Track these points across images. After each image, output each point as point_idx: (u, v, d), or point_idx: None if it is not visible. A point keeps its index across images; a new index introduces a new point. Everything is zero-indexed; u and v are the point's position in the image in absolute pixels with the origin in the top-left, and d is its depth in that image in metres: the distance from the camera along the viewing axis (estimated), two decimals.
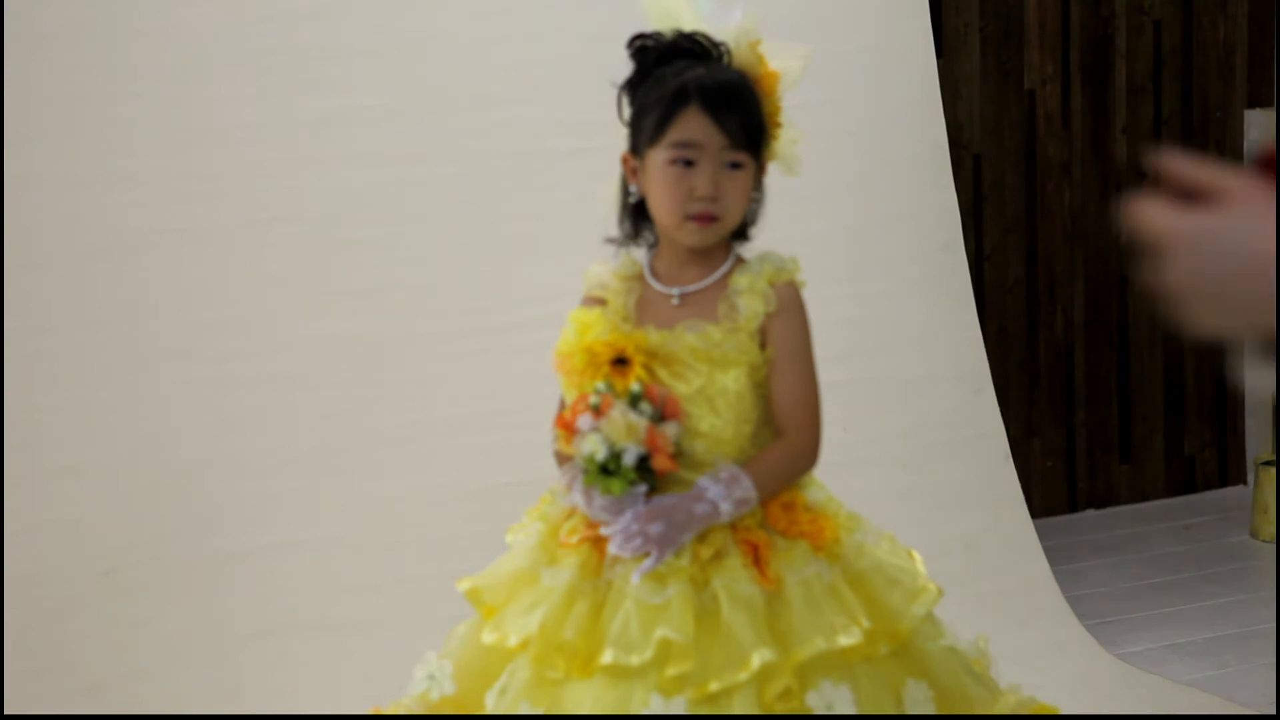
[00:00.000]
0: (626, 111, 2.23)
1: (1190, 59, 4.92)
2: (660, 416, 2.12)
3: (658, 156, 2.16)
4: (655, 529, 2.09)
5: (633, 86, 2.22)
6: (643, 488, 2.10)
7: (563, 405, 2.23)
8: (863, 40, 4.03)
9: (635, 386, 2.13)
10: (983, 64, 4.64)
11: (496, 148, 3.62)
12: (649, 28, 2.22)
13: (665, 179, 2.16)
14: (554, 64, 3.64)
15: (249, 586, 3.35)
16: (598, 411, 2.10)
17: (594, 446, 2.08)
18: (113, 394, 3.32)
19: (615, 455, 2.08)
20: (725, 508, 2.11)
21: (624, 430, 2.09)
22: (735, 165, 2.16)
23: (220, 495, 3.37)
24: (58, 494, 3.27)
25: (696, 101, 2.14)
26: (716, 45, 2.21)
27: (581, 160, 3.51)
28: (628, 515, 2.10)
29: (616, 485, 2.08)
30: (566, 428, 2.13)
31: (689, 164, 2.15)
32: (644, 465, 2.09)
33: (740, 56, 2.21)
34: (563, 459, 2.22)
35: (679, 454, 2.14)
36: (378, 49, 3.55)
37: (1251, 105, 4.99)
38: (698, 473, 2.15)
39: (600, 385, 2.14)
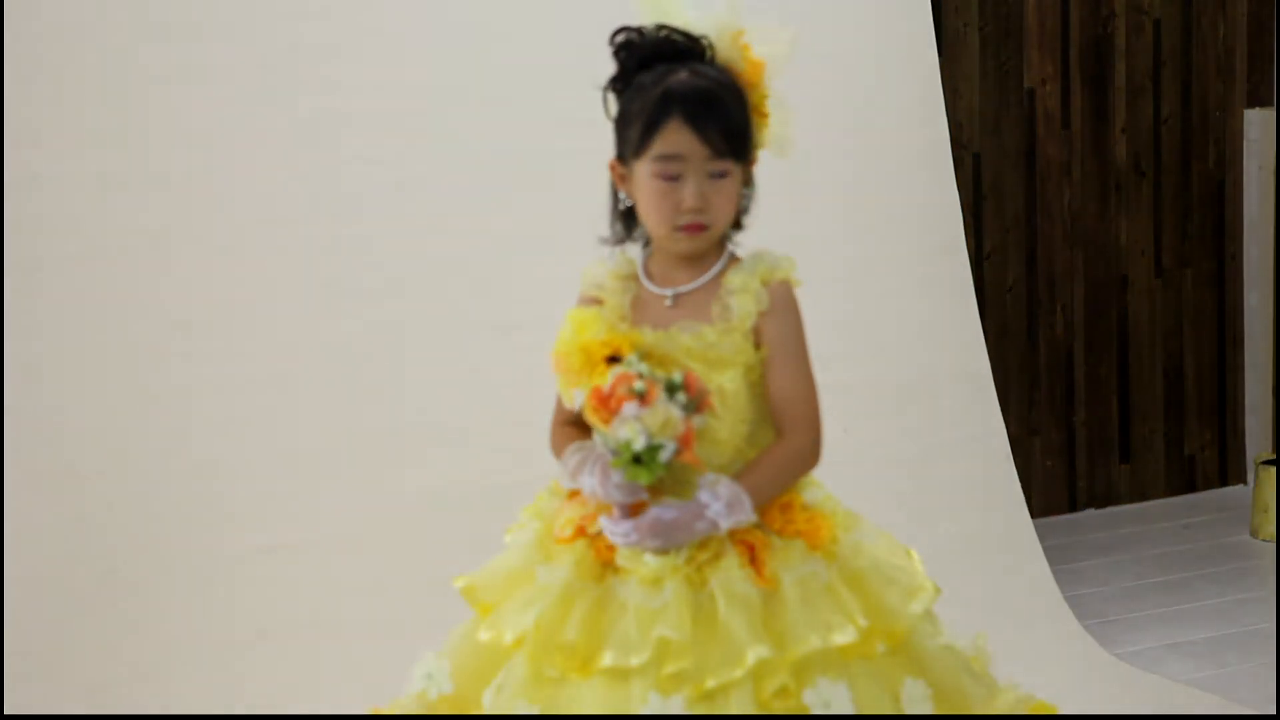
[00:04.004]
0: (613, 109, 2.22)
1: (1190, 59, 4.92)
2: (695, 408, 2.11)
3: (643, 169, 2.16)
4: (653, 544, 2.10)
5: (616, 88, 2.21)
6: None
7: (560, 404, 2.23)
8: (863, 40, 4.03)
9: (677, 376, 2.11)
10: (982, 63, 4.64)
11: (496, 147, 3.62)
12: (642, 20, 2.21)
13: (652, 192, 2.15)
14: (554, 64, 3.64)
15: (249, 587, 3.35)
16: (644, 399, 2.08)
17: (633, 434, 2.06)
18: (113, 394, 3.32)
19: (653, 449, 2.07)
20: (724, 525, 2.12)
21: (663, 424, 2.07)
22: (720, 174, 2.16)
23: (221, 496, 3.37)
24: (58, 494, 3.27)
25: (678, 114, 2.12)
26: (698, 41, 2.19)
27: (581, 160, 3.50)
28: (628, 524, 2.10)
29: (644, 475, 2.07)
30: (604, 404, 2.10)
31: (674, 177, 2.14)
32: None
33: (723, 50, 2.20)
34: (560, 447, 2.21)
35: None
36: (377, 49, 3.55)
37: (1251, 105, 4.99)
38: (692, 473, 2.15)
39: (644, 368, 2.12)
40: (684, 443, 2.08)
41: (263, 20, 3.47)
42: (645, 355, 2.17)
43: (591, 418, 2.12)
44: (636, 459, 2.06)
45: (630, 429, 2.06)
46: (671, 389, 2.09)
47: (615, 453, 2.07)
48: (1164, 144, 4.90)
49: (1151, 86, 4.87)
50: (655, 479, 2.08)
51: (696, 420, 2.10)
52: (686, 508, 2.11)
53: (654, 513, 2.10)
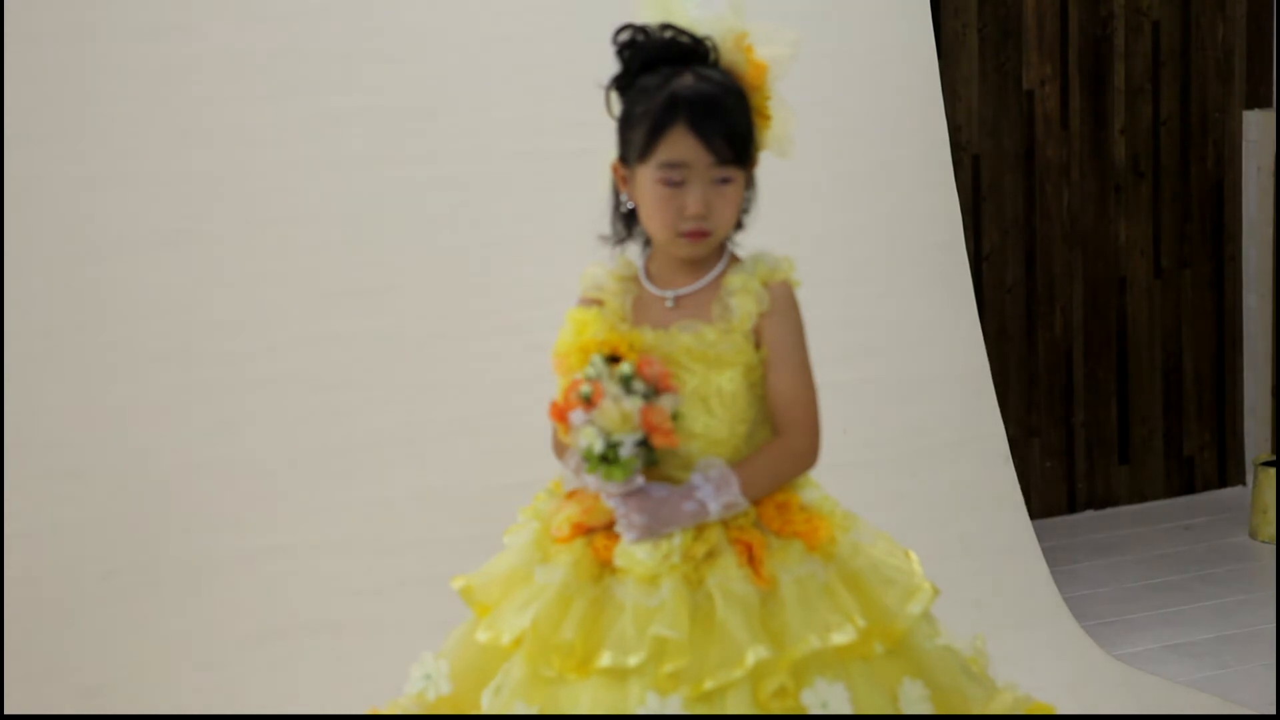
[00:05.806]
0: (616, 107, 2.22)
1: (1189, 60, 4.92)
2: (654, 392, 2.11)
3: (646, 174, 2.15)
4: (639, 519, 2.10)
5: (619, 87, 2.21)
6: (644, 463, 2.10)
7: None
8: (863, 40, 4.03)
9: (626, 367, 2.11)
10: (981, 65, 4.65)
11: (496, 148, 3.62)
12: (645, 19, 2.20)
13: (655, 198, 2.15)
14: (554, 64, 3.64)
15: (249, 588, 3.35)
16: (589, 403, 2.09)
17: (590, 440, 2.08)
18: (113, 395, 3.32)
19: (613, 446, 2.08)
20: (713, 508, 2.12)
21: (618, 419, 2.08)
22: (724, 180, 2.16)
23: (220, 496, 3.37)
24: (58, 496, 3.27)
25: (683, 120, 2.12)
26: (702, 43, 2.19)
27: (581, 160, 3.51)
28: (616, 499, 2.11)
29: (618, 473, 2.08)
30: (561, 418, 2.12)
31: (678, 183, 2.14)
32: (643, 444, 2.09)
33: (727, 52, 2.20)
34: (562, 448, 2.22)
35: (675, 428, 2.13)
36: (377, 49, 3.55)
37: (1250, 106, 4.99)
38: (692, 460, 2.16)
39: (589, 370, 2.13)
40: (649, 428, 2.08)
41: (266, 19, 3.47)
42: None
43: (560, 435, 2.14)
44: (605, 459, 2.08)
45: (586, 434, 2.08)
46: (626, 381, 2.10)
47: (585, 460, 2.09)
48: (1163, 145, 4.91)
49: (1150, 88, 4.87)
50: (632, 473, 2.09)
51: (667, 401, 2.11)
52: (676, 490, 2.12)
53: (642, 488, 2.11)
